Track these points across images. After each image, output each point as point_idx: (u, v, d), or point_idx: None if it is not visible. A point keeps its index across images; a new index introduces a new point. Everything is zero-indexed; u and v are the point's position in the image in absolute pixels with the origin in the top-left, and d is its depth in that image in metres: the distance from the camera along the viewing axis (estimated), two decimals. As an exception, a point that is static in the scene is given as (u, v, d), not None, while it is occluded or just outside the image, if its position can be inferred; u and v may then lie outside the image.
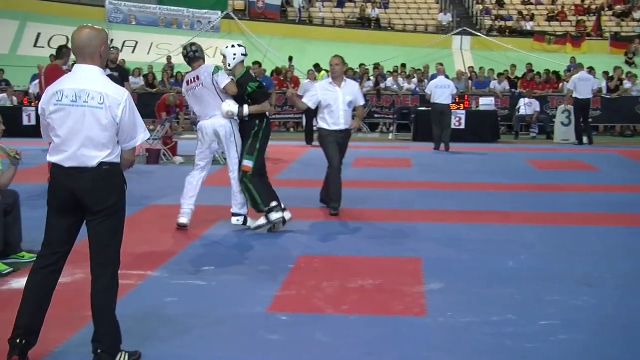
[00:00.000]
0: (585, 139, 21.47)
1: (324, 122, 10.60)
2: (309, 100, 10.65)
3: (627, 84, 26.02)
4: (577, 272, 7.40)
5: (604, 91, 25.55)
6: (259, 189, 9.26)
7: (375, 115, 26.20)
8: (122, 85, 12.94)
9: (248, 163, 9.27)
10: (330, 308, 6.29)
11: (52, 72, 11.62)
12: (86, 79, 4.77)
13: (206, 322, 5.90)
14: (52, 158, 4.82)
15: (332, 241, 8.91)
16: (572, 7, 40.60)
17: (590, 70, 25.83)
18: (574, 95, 21.21)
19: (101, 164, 4.75)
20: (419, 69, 27.82)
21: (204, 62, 9.52)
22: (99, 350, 4.85)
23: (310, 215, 10.36)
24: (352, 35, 36.47)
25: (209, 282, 7.02)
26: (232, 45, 9.57)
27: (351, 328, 5.80)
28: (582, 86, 21.17)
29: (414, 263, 7.79)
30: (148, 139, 16.01)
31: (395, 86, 26.44)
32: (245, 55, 9.57)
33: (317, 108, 10.73)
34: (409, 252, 8.38)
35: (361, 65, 28.11)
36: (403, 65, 28.99)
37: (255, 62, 18.69)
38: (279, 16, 38.47)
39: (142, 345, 5.18)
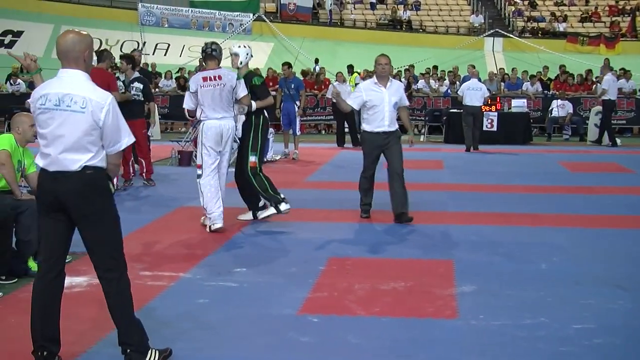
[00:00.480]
0: (606, 141, 21.67)
1: (367, 124, 10.10)
2: (353, 102, 10.20)
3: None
4: (611, 276, 7.32)
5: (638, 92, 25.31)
6: (270, 182, 9.81)
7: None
8: (148, 88, 13.17)
9: (254, 159, 9.81)
10: (362, 310, 6.28)
11: (98, 75, 11.72)
12: (70, 83, 4.75)
13: (238, 324, 5.92)
14: (39, 162, 4.81)
15: (363, 243, 8.89)
16: (607, 8, 40.23)
17: (626, 72, 25.66)
18: (605, 97, 21.11)
19: (85, 168, 4.71)
20: (450, 71, 27.72)
21: (219, 63, 9.68)
22: (128, 350, 4.88)
23: (341, 217, 10.34)
24: (384, 38, 36.39)
25: (240, 284, 7.03)
26: (244, 46, 10.29)
27: (383, 330, 5.78)
28: (611, 88, 21.11)
29: (445, 265, 7.76)
30: (180, 141, 16.24)
31: (427, 88, 26.35)
32: (252, 56, 10.34)
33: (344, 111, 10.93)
34: (441, 254, 8.34)
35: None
36: (435, 67, 28.91)
37: (285, 64, 18.71)
38: (311, 18, 38.50)
39: (173, 346, 5.19)
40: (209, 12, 37.52)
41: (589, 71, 27.01)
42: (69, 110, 4.69)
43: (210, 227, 9.34)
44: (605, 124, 21.58)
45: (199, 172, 9.42)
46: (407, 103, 10.62)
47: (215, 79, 9.39)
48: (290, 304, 6.40)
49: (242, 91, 9.54)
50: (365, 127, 10.14)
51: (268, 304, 6.43)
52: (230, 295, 6.69)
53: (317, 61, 29.68)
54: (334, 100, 10.36)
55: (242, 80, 9.62)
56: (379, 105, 9.94)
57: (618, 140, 21.67)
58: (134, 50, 13.17)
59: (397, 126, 10.11)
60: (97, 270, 4.87)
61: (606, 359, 5.23)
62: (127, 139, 4.88)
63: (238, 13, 37.45)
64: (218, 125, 9.36)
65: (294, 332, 5.72)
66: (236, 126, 9.66)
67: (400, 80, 26.59)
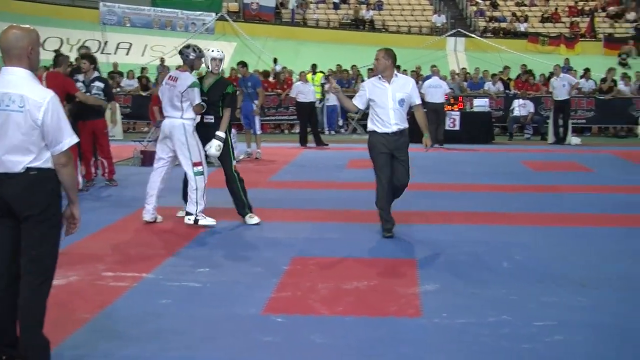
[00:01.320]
0: (552, 139, 22.38)
1: (373, 123, 9.22)
2: (359, 101, 9.30)
3: (621, 85, 26.07)
4: (573, 274, 7.39)
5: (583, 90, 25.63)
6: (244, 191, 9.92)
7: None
8: (109, 88, 13.07)
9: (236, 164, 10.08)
10: (326, 310, 6.28)
11: (55, 79, 11.63)
12: (10, 82, 4.59)
13: (201, 324, 5.89)
14: None
15: (326, 243, 8.89)
16: (566, 9, 40.68)
17: (585, 71, 26.00)
18: (554, 97, 21.85)
19: (28, 169, 4.57)
20: (413, 71, 27.82)
21: (191, 70, 9.80)
22: None
23: (305, 217, 10.34)
24: (347, 37, 36.47)
25: (203, 284, 7.00)
26: (222, 52, 10.24)
27: (347, 330, 5.78)
28: (556, 89, 22.02)
29: (409, 264, 7.78)
30: (143, 141, 16.13)
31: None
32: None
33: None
34: (405, 253, 8.38)
35: (353, 66, 28.12)
36: (397, 67, 28.94)
37: (240, 63, 18.70)
38: (273, 18, 38.45)
39: (136, 348, 5.16)
40: (172, 11, 37.29)
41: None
42: (8, 110, 4.54)
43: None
44: (554, 123, 22.17)
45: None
46: (418, 102, 9.44)
47: (173, 80, 9.66)
48: (254, 304, 6.39)
49: (196, 98, 9.59)
50: (371, 126, 9.26)
51: (231, 304, 6.40)
52: (193, 296, 6.66)
53: (275, 61, 29.59)
54: (334, 95, 9.57)
55: (196, 89, 9.59)
56: (382, 102, 9.13)
57: (575, 139, 22.03)
58: (82, 47, 12.99)
59: (406, 125, 9.27)
60: (23, 273, 4.61)
61: (567, 355, 5.28)
62: (70, 139, 4.66)
63: (200, 12, 37.27)
64: (167, 123, 9.70)
65: (257, 332, 5.70)
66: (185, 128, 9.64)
67: (362, 80, 26.76)
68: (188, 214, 9.61)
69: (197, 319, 6.02)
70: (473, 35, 36.84)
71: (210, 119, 9.89)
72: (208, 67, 10.04)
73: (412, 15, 40.34)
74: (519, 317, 6.06)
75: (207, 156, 9.85)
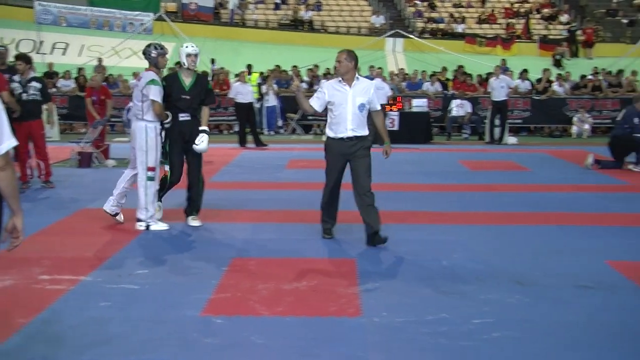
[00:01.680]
0: (488, 138, 22.93)
1: (330, 129, 8.87)
2: (315, 102, 8.92)
3: (555, 86, 26.52)
4: (510, 271, 7.49)
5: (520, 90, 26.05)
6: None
7: (309, 117, 26.20)
8: (46, 88, 12.84)
9: (167, 167, 9.77)
10: (266, 310, 6.26)
11: None
12: None
13: (140, 327, 5.83)
14: None
15: (266, 243, 8.88)
16: (503, 10, 41.24)
17: (522, 72, 26.41)
18: (492, 98, 22.55)
19: None
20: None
21: (156, 68, 9.74)
22: None
23: (245, 218, 10.31)
24: (286, 38, 36.49)
25: (142, 286, 6.93)
26: (196, 46, 10.02)
27: (287, 330, 5.78)
28: (494, 90, 22.57)
29: (348, 264, 7.80)
30: (80, 142, 15.93)
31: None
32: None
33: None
34: (344, 253, 8.40)
35: (294, 67, 28.15)
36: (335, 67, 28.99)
37: (177, 63, 18.56)
38: (212, 18, 38.27)
39: (75, 353, 5.09)
40: (109, 11, 36.90)
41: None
42: None
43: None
44: (491, 123, 22.59)
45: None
46: (378, 107, 9.00)
47: (138, 80, 9.77)
48: (194, 305, 6.35)
49: (156, 95, 9.39)
50: (328, 132, 8.94)
51: (171, 306, 6.35)
52: (132, 298, 6.59)
53: (213, 61, 29.41)
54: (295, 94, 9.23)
55: (153, 87, 9.36)
56: (341, 106, 8.70)
57: (512, 139, 22.38)
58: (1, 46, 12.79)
59: (365, 132, 8.82)
60: None
61: (504, 352, 5.34)
62: (8, 142, 4.39)
63: (138, 12, 36.94)
64: (133, 124, 9.61)
65: (197, 333, 5.67)
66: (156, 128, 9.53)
67: (302, 81, 26.78)
68: (139, 220, 9.51)
69: (136, 322, 5.96)
70: (411, 36, 37.11)
71: (185, 116, 9.66)
72: (184, 64, 9.81)
73: (350, 16, 40.49)
74: (457, 315, 6.12)
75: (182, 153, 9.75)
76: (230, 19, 38.28)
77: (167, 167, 9.77)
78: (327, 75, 27.55)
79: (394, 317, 6.08)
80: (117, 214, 9.77)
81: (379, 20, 38.96)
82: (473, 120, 24.67)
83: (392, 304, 6.44)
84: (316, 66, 29.00)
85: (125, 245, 8.69)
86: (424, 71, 27.89)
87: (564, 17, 40.86)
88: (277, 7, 39.98)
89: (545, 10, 41.67)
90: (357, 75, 8.90)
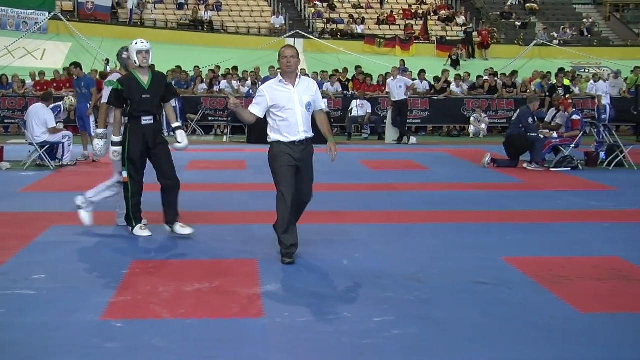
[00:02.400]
0: (393, 137, 23.12)
1: (276, 133, 8.03)
2: (257, 109, 8.07)
3: (453, 86, 27.04)
4: (409, 269, 7.59)
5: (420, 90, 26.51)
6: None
7: (210, 118, 26.09)
8: None
9: (125, 174, 9.14)
10: (167, 313, 6.21)
11: None
12: None
13: (37, 333, 5.70)
14: None
15: (167, 245, 8.80)
16: (401, 12, 41.79)
17: (420, 72, 26.85)
18: (391, 98, 22.93)
19: None
20: (252, 72, 27.91)
21: (126, 71, 9.49)
22: None
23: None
24: (186, 38, 36.18)
25: (39, 291, 6.77)
26: (146, 42, 9.33)
27: (188, 332, 5.74)
28: (392, 91, 22.87)
29: (250, 265, 7.79)
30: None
31: (229, 89, 26.38)
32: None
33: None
34: (245, 254, 8.38)
35: (196, 67, 27.96)
36: (235, 68, 28.92)
37: (73, 64, 18.35)
38: (110, 18, 37.66)
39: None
40: (1, 9, 35.86)
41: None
42: None
43: None
44: (394, 123, 22.92)
45: None
46: (323, 106, 8.48)
47: None
48: (93, 309, 6.24)
49: (105, 96, 9.15)
50: (275, 136, 8.05)
51: (69, 311, 6.23)
52: (28, 304, 6.43)
53: (107, 62, 28.87)
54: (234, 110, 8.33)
55: (106, 87, 9.13)
56: (288, 107, 7.94)
57: (412, 139, 22.73)
58: None
59: (312, 134, 8.18)
60: None
61: (404, 348, 5.42)
62: None
63: (33, 11, 36.02)
64: None
65: (97, 338, 5.57)
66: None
67: (202, 81, 26.58)
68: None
69: (33, 328, 5.82)
70: (311, 37, 37.28)
71: (148, 119, 9.06)
72: (135, 63, 9.11)
73: (250, 16, 40.42)
74: (358, 314, 6.18)
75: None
76: (129, 19, 37.74)
77: (125, 174, 9.16)
78: (227, 75, 27.47)
79: (296, 317, 6.10)
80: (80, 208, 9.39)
81: (279, 21, 39.00)
82: (373, 121, 24.91)
83: (294, 304, 6.47)
84: (217, 67, 28.86)
85: (21, 249, 8.47)
86: (324, 72, 28.02)
87: (461, 19, 41.69)
88: (180, 7, 39.60)
89: (443, 12, 42.44)
90: (298, 73, 8.16)
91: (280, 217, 7.92)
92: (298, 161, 8.02)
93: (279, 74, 8.15)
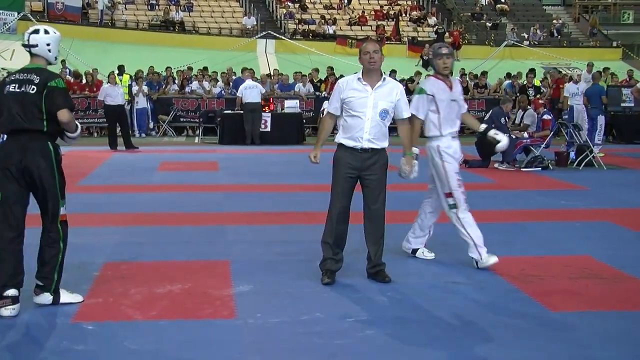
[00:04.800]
0: None
1: (342, 132, 7.28)
2: (332, 108, 7.29)
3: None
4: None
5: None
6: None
7: (181, 119, 26.00)
8: None
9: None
10: (139, 315, 6.18)
11: None
12: None
13: (7, 336, 5.66)
14: None
15: (138, 247, 8.75)
16: (373, 13, 41.90)
17: (390, 72, 26.88)
18: None
19: None
20: (224, 72, 27.85)
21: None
22: None
23: (116, 221, 10.14)
24: (157, 39, 36.02)
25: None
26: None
27: (161, 334, 5.71)
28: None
29: (222, 266, 7.77)
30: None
31: (200, 90, 26.32)
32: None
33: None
34: (218, 255, 8.35)
35: (168, 68, 27.86)
36: (205, 68, 28.82)
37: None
38: (80, 19, 37.43)
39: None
40: (-30, 10, 35.60)
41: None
42: None
43: None
44: None
45: None
46: (406, 115, 7.41)
47: None
48: (64, 312, 6.19)
49: None
50: (340, 137, 7.30)
51: (39, 314, 6.17)
52: (-2, 306, 6.38)
53: (63, 63, 28.46)
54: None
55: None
56: (359, 110, 7.07)
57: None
58: None
59: (385, 145, 7.30)
60: None
61: (377, 348, 5.43)
62: None
63: (1, 11, 35.71)
64: None
65: (67, 341, 5.54)
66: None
67: (174, 82, 26.48)
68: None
69: (3, 330, 5.77)
70: (283, 38, 37.27)
71: None
72: None
73: (222, 17, 40.35)
74: (331, 314, 6.18)
75: None
76: (100, 20, 37.53)
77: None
78: (199, 76, 27.38)
79: (269, 318, 6.09)
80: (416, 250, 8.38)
81: (250, 22, 38.95)
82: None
83: (267, 305, 6.46)
84: (189, 68, 28.76)
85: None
86: (297, 72, 28.00)
87: (432, 20, 41.88)
88: (151, 7, 39.43)
89: (414, 13, 42.63)
90: (383, 74, 7.24)
91: (324, 230, 7.34)
92: (360, 170, 7.19)
93: (359, 72, 7.22)
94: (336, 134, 7.42)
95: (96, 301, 6.55)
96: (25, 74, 6.30)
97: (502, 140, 8.26)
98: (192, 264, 7.93)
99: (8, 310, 6.07)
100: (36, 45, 6.37)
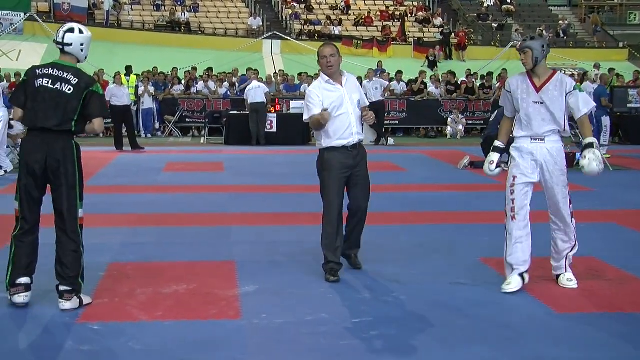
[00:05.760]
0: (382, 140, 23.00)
1: (328, 137, 7.36)
2: (316, 111, 7.33)
3: (431, 88, 27.15)
4: (387, 270, 7.61)
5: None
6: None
7: (187, 120, 26.04)
8: None
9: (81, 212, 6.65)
10: (145, 315, 6.19)
11: None
12: None
13: (13, 336, 5.68)
14: None
15: (144, 247, 8.77)
16: (378, 13, 41.86)
17: (397, 74, 26.92)
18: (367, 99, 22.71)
19: None
20: (230, 73, 27.88)
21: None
22: None
23: (122, 222, 10.16)
24: (163, 39, 36.03)
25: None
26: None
27: (166, 334, 5.73)
28: (368, 92, 22.81)
29: (228, 266, 7.78)
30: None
31: (206, 90, 26.35)
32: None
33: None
34: (223, 255, 8.37)
35: (174, 69, 27.88)
36: (210, 68, 28.85)
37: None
38: (86, 19, 37.47)
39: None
40: (-24, 11, 35.63)
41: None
42: None
43: None
44: (371, 125, 22.92)
45: None
46: (367, 103, 7.80)
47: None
48: (69, 312, 6.21)
49: None
50: (325, 142, 7.39)
51: (45, 314, 6.20)
52: (3, 307, 6.38)
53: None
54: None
55: None
56: (341, 108, 7.34)
57: (389, 140, 22.77)
58: None
59: (364, 136, 7.78)
60: None
61: (383, 348, 5.45)
62: None
63: (8, 12, 35.74)
64: None
65: (73, 341, 5.56)
66: None
67: (180, 82, 26.51)
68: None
69: (9, 331, 5.80)
70: (289, 38, 37.25)
71: None
72: None
73: (228, 17, 40.34)
74: (336, 315, 6.20)
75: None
76: (106, 20, 37.58)
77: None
78: (204, 76, 27.40)
79: (274, 318, 6.10)
80: None
81: (256, 22, 38.93)
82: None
83: (272, 305, 6.46)
84: (194, 68, 28.79)
85: (-3, 252, 8.42)
86: (303, 73, 28.01)
87: (438, 21, 41.81)
88: (157, 8, 39.45)
89: (420, 14, 42.56)
90: (341, 72, 7.58)
91: (324, 233, 7.43)
92: (352, 168, 7.42)
93: (322, 75, 7.56)
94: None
95: (102, 301, 6.57)
96: (60, 72, 6.34)
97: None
98: (198, 264, 7.95)
99: (21, 298, 6.21)
100: (70, 44, 6.44)
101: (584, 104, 7.05)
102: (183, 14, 38.72)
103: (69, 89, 6.24)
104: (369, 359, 5.31)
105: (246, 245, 8.85)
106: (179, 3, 39.79)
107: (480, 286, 7.11)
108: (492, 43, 39.76)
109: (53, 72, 6.32)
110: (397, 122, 26.36)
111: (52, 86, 6.25)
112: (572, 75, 29.06)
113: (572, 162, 16.72)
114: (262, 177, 14.94)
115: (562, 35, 42.00)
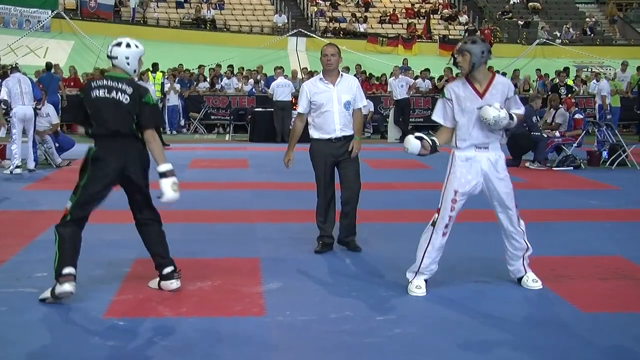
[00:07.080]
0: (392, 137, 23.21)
1: (314, 130, 8.36)
2: (301, 107, 8.43)
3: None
4: (408, 268, 7.57)
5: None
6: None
7: (212, 117, 26.11)
8: None
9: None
10: (169, 311, 6.22)
11: None
12: None
13: (39, 331, 5.72)
14: None
15: (169, 244, 8.74)
16: (404, 11, 41.77)
17: (422, 71, 26.85)
18: (393, 97, 23.22)
19: None
20: (254, 70, 27.92)
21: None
22: None
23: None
24: (189, 37, 36.15)
25: (41, 290, 6.72)
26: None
27: (190, 331, 5.74)
28: (394, 90, 23.14)
29: (252, 263, 7.80)
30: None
31: (231, 87, 26.42)
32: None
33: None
34: (247, 252, 8.38)
35: (201, 66, 27.95)
36: (231, 66, 28.91)
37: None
38: (113, 16, 37.67)
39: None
40: (4, 7, 35.80)
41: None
42: None
43: None
44: (396, 122, 22.88)
45: None
46: (362, 104, 8.49)
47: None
48: (95, 307, 6.25)
49: None
50: (313, 133, 8.40)
51: (72, 309, 6.24)
52: (30, 302, 6.43)
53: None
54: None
55: None
56: (327, 106, 8.21)
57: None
58: None
59: (351, 132, 8.41)
60: None
61: (406, 347, 5.43)
62: None
63: (35, 9, 35.99)
64: None
65: (99, 336, 5.59)
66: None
67: (205, 79, 26.58)
68: None
69: (35, 326, 5.84)
70: (314, 35, 37.25)
71: None
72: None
73: (253, 15, 40.41)
74: (360, 313, 6.19)
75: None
76: (132, 18, 37.74)
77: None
78: (229, 73, 27.47)
79: (298, 315, 6.11)
80: None
81: (281, 20, 38.98)
82: (375, 119, 24.92)
83: (296, 302, 6.47)
84: (219, 65, 28.87)
85: (23, 247, 8.48)
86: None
87: (463, 18, 41.70)
88: (179, 5, 39.56)
89: (445, 11, 42.45)
90: (340, 71, 8.43)
91: (317, 206, 8.54)
92: (337, 157, 8.36)
93: (320, 72, 8.55)
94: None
95: (127, 297, 6.61)
96: (114, 82, 6.54)
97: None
98: (222, 261, 7.97)
99: (71, 286, 6.32)
100: (116, 58, 6.69)
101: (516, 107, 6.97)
102: (208, 11, 38.83)
103: (126, 99, 6.45)
104: (393, 357, 5.29)
105: (270, 242, 8.86)
106: (205, 0, 39.89)
107: (504, 285, 7.07)
108: (518, 40, 39.56)
109: (106, 82, 6.54)
110: (422, 119, 26.26)
111: (108, 95, 6.45)
112: (597, 74, 28.88)
113: (598, 160, 16.65)
114: (287, 175, 14.86)
115: (589, 32, 41.72)
